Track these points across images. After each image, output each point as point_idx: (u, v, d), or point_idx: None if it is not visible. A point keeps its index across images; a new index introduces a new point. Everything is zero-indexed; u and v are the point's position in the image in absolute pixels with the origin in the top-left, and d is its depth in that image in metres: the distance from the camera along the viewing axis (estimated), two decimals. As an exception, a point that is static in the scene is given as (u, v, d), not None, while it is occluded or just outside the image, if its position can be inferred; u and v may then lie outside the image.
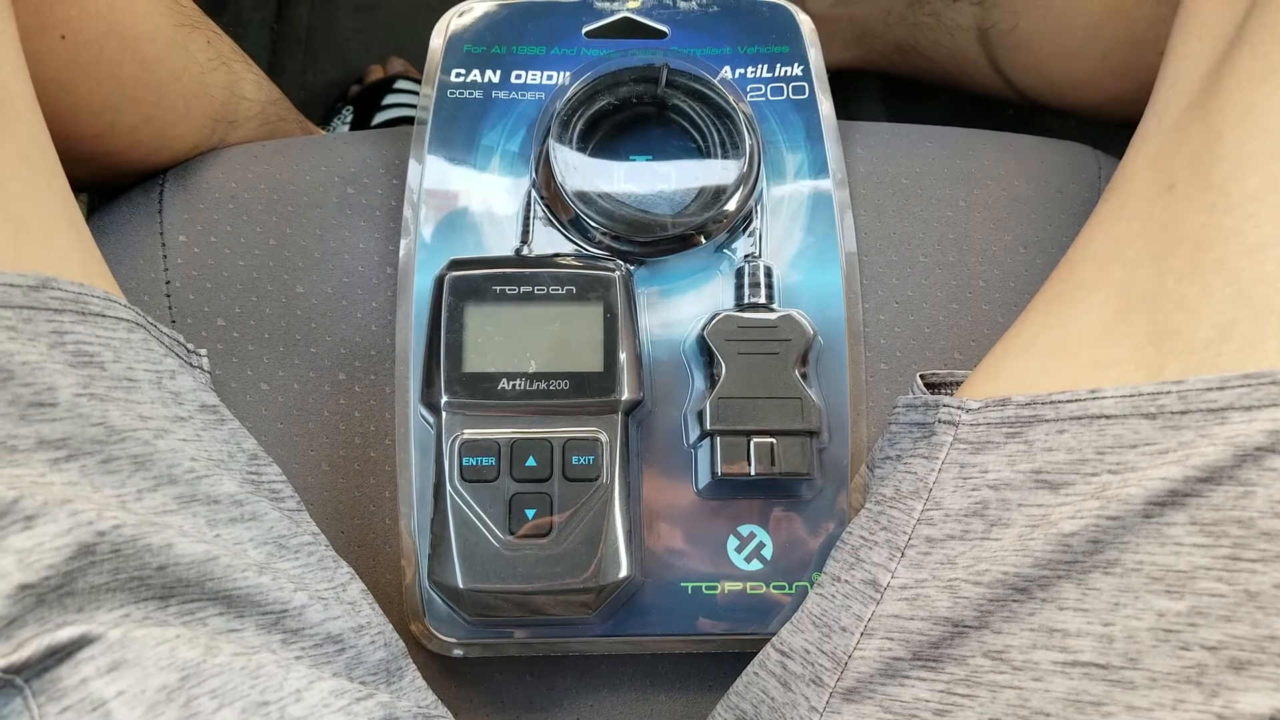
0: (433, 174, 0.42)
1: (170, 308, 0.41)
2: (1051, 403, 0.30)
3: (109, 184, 0.45)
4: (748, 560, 0.39)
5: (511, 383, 0.37)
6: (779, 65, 0.43)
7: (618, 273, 0.39)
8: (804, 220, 0.42)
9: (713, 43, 0.44)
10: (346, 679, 0.32)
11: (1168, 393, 0.28)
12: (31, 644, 0.24)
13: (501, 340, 0.37)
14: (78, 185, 0.36)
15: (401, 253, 0.41)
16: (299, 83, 0.83)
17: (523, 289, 0.38)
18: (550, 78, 0.43)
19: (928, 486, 0.32)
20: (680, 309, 0.41)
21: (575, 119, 0.41)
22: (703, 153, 0.42)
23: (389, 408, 0.41)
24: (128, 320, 0.32)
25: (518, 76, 0.43)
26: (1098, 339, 0.32)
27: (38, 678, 0.24)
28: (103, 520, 0.26)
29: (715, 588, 0.39)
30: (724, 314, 0.40)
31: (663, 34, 0.44)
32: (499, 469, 0.36)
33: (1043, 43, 0.51)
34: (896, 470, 0.35)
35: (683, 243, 0.40)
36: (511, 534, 0.36)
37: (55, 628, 0.24)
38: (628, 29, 0.44)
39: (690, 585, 0.39)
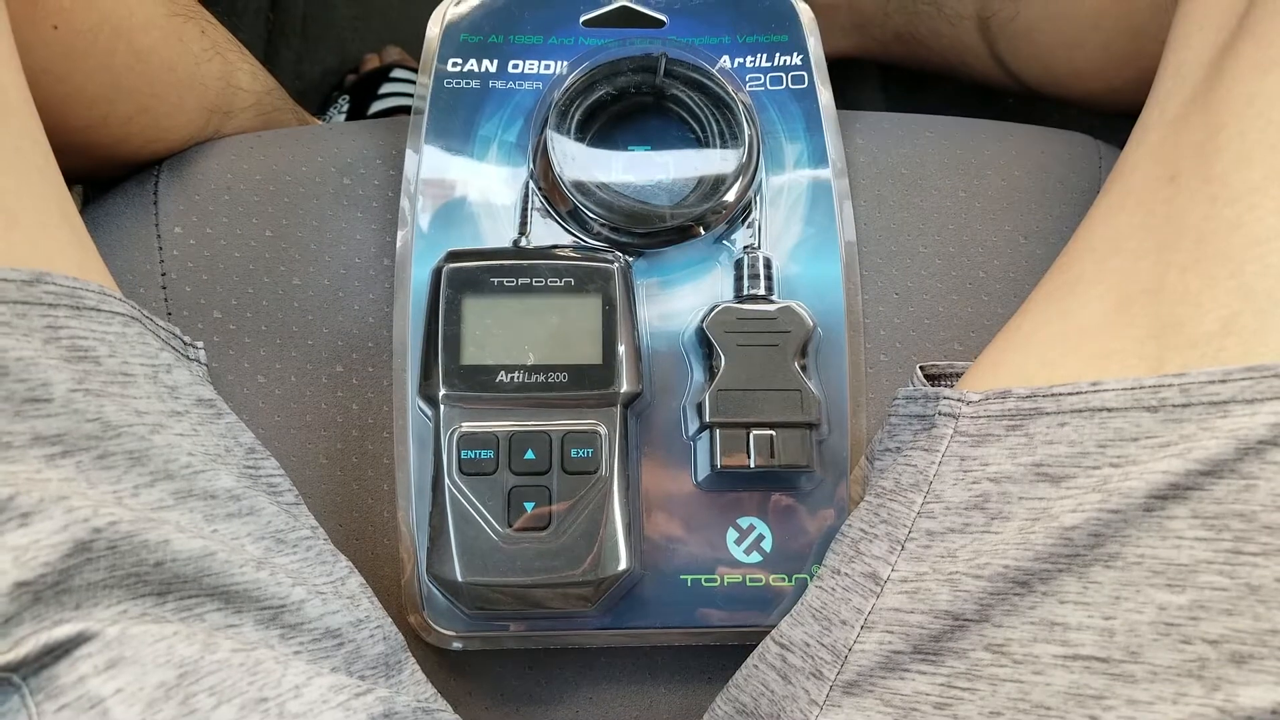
0: (430, 164, 0.41)
1: (166, 300, 0.41)
2: (1052, 395, 0.30)
3: (103, 175, 0.45)
4: (747, 552, 0.39)
5: (510, 375, 0.37)
6: (778, 54, 0.43)
7: (616, 264, 0.38)
8: (803, 211, 0.42)
9: (711, 32, 0.43)
10: (345, 674, 0.31)
11: (1169, 385, 0.28)
12: (29, 642, 0.24)
13: (500, 332, 0.37)
14: (71, 177, 0.36)
15: (399, 244, 0.41)
16: (294, 72, 0.83)
17: (521, 281, 0.38)
18: (548, 67, 0.43)
19: (928, 479, 0.32)
20: (679, 301, 0.41)
21: (573, 109, 0.41)
22: (701, 143, 0.42)
23: (387, 400, 0.41)
24: (123, 314, 0.31)
25: (515, 66, 0.43)
26: (1099, 331, 0.31)
27: (35, 675, 0.24)
28: (99, 517, 0.26)
29: (715, 580, 0.39)
30: (723, 306, 0.39)
31: (661, 23, 0.43)
32: (497, 462, 0.36)
33: (1044, 32, 0.51)
34: (896, 463, 0.34)
35: (681, 234, 0.40)
36: (510, 527, 0.36)
37: (52, 625, 0.24)
38: (625, 18, 0.43)
39: (689, 577, 0.39)
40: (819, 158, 0.42)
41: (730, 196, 0.40)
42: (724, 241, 0.41)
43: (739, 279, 0.40)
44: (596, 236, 0.41)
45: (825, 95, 0.43)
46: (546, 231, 0.41)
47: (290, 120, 0.53)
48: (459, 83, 0.42)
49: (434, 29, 0.43)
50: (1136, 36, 0.47)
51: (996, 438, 0.31)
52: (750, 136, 0.40)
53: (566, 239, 0.41)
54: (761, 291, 0.40)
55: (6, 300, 0.27)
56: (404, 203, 0.41)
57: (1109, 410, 0.29)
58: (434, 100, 0.42)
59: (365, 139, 0.44)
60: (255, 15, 0.82)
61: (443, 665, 0.40)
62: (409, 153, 0.41)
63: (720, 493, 0.39)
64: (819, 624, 0.33)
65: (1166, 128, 0.34)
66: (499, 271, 0.38)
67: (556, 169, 0.40)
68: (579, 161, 0.41)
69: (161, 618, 0.27)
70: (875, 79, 0.73)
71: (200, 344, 0.38)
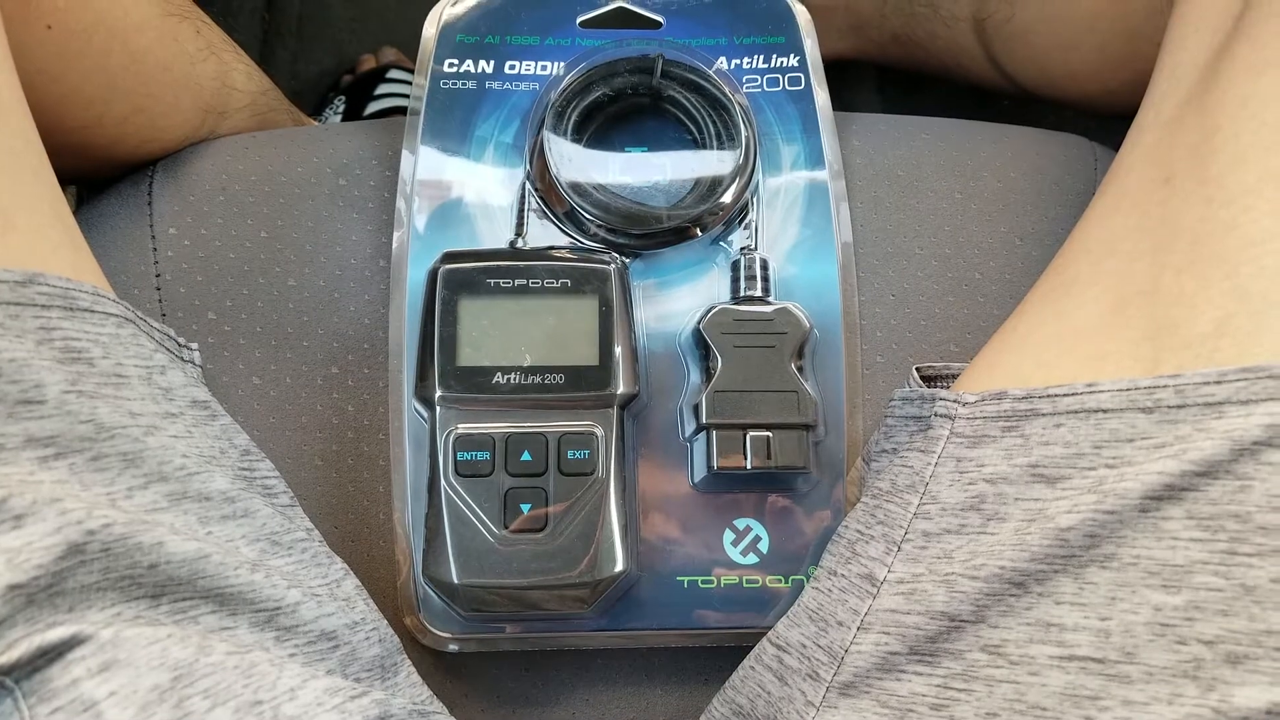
0: (426, 165, 0.41)
1: (160, 301, 0.41)
2: (1048, 396, 0.30)
3: (98, 176, 0.44)
4: (744, 554, 0.39)
5: (506, 377, 0.37)
6: (775, 56, 0.43)
7: (613, 266, 0.38)
8: (800, 212, 0.42)
9: (708, 33, 0.43)
10: (341, 676, 0.31)
11: (1164, 386, 0.28)
12: (21, 644, 0.24)
13: (496, 334, 0.37)
14: (65, 177, 0.35)
15: (394, 245, 0.41)
16: (290, 72, 0.83)
17: (517, 282, 0.38)
18: (544, 68, 0.43)
19: (924, 480, 0.32)
20: (676, 302, 0.41)
21: (570, 110, 0.41)
22: (698, 144, 0.42)
23: (382, 402, 0.41)
24: (117, 315, 0.31)
25: (511, 67, 0.43)
26: (1094, 332, 0.31)
27: (28, 678, 0.24)
28: (92, 519, 0.26)
29: (711, 581, 0.39)
30: (720, 307, 0.39)
31: (657, 24, 0.43)
32: (494, 464, 0.36)
33: (1039, 34, 0.51)
34: (893, 464, 0.34)
35: (678, 235, 0.40)
36: (506, 529, 0.36)
37: (45, 628, 0.24)
38: (622, 19, 0.43)
39: (686, 579, 0.39)
40: (815, 159, 0.42)
41: (727, 198, 0.40)
42: (721, 243, 0.41)
43: (736, 280, 0.40)
44: (593, 238, 0.41)
45: (822, 97, 0.43)
46: (543, 233, 0.41)
47: (285, 121, 0.53)
48: (455, 83, 0.42)
49: (430, 30, 0.43)
50: (1132, 39, 0.47)
51: (992, 439, 0.31)
52: (747, 138, 0.40)
53: (563, 240, 0.41)
54: (758, 293, 0.40)
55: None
56: (400, 204, 0.41)
57: (1104, 411, 0.29)
58: (430, 101, 0.42)
59: (361, 140, 0.44)
60: (250, 15, 0.82)
61: (439, 667, 0.39)
62: (405, 153, 0.41)
63: (717, 494, 0.39)
64: (815, 625, 0.33)
65: (1162, 129, 0.34)
66: (495, 273, 0.38)
67: (553, 170, 0.40)
68: (576, 163, 0.40)
69: (155, 620, 0.27)
70: (872, 81, 0.73)
71: (195, 345, 0.38)
